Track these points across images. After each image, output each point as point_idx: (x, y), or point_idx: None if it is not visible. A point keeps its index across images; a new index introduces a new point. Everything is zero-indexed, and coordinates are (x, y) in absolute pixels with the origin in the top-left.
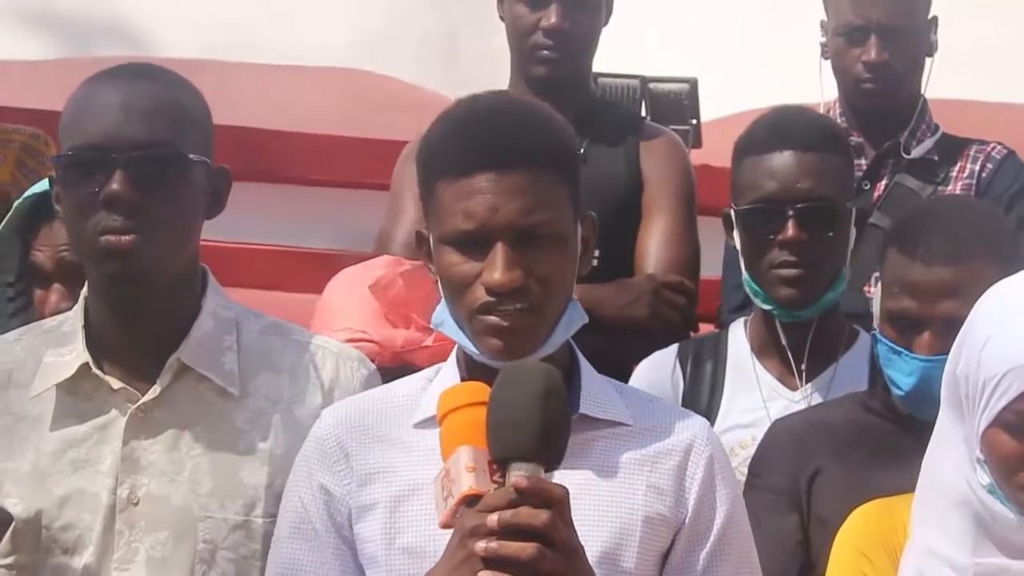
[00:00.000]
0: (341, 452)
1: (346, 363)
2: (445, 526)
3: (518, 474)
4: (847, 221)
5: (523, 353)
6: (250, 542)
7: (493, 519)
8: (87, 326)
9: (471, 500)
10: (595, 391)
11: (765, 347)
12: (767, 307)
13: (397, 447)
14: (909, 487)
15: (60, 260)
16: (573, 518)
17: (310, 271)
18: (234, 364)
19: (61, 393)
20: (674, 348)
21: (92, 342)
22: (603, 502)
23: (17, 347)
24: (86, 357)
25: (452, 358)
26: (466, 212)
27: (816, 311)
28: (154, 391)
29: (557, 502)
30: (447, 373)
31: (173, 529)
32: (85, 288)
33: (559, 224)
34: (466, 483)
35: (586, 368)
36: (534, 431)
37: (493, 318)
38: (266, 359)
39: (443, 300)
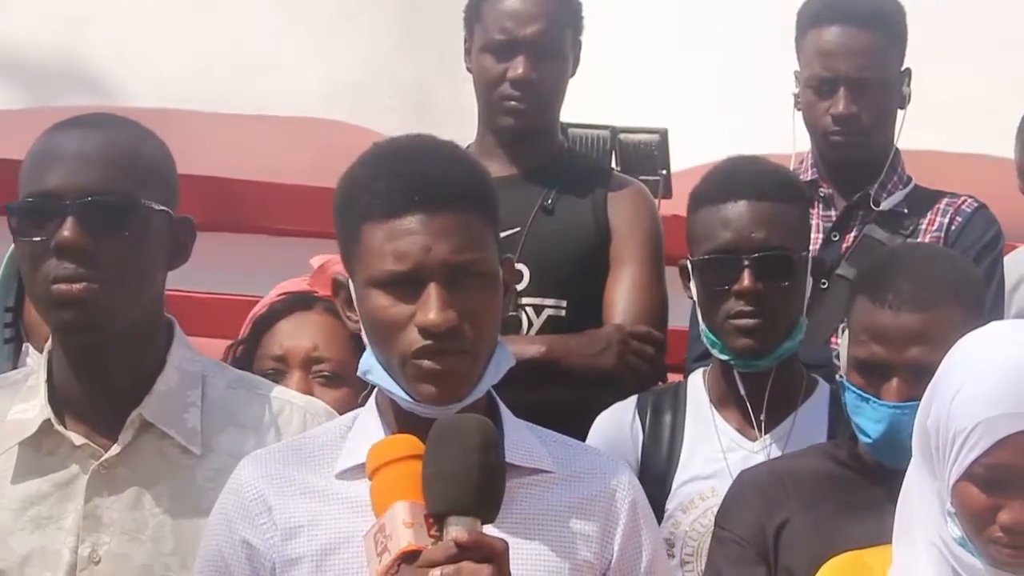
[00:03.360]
0: (263, 505)
1: (313, 418)
2: None
3: (457, 528)
4: (803, 270)
5: (457, 397)
6: None
7: (435, 574)
8: (50, 380)
9: (410, 556)
10: (518, 438)
11: (724, 398)
12: (724, 357)
13: (320, 499)
14: (878, 538)
15: None
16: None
17: None
18: (197, 421)
19: (24, 449)
20: (633, 399)
21: (55, 396)
22: (531, 551)
23: None
24: (48, 413)
25: (371, 405)
26: (397, 253)
27: (773, 361)
28: (116, 448)
29: (498, 556)
30: (366, 421)
31: None
32: (49, 342)
33: (489, 263)
34: (405, 539)
35: (507, 415)
36: (472, 486)
37: (428, 362)
38: (232, 415)
39: (368, 347)
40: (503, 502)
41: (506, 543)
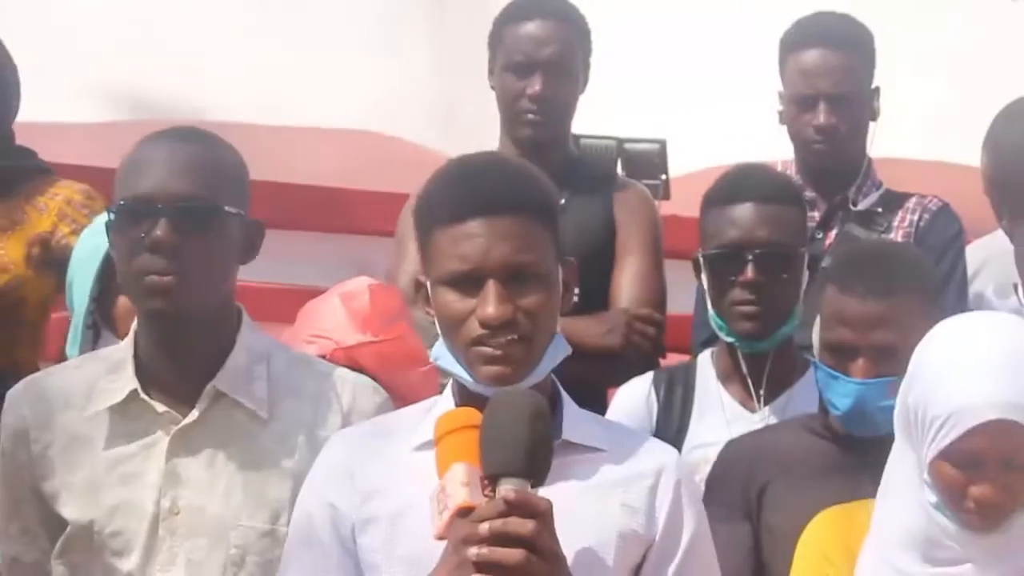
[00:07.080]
0: (347, 472)
1: (362, 391)
2: (440, 537)
3: (507, 488)
4: (800, 264)
5: (515, 379)
6: (275, 548)
7: (484, 527)
8: (136, 357)
9: (464, 512)
10: (575, 420)
11: (729, 375)
12: (730, 339)
13: (397, 467)
14: (849, 497)
15: None
16: (556, 532)
17: None
18: (264, 391)
19: (113, 415)
20: (649, 375)
21: (140, 371)
22: (582, 518)
23: (75, 373)
24: (135, 384)
25: (448, 391)
26: (460, 255)
27: (772, 343)
28: (193, 415)
29: (542, 513)
30: (444, 403)
31: (209, 536)
32: (135, 323)
33: (544, 264)
34: (460, 496)
35: (567, 400)
36: (522, 449)
37: (487, 348)
38: (292, 387)
39: (440, 337)
40: (559, 474)
41: (550, 503)
